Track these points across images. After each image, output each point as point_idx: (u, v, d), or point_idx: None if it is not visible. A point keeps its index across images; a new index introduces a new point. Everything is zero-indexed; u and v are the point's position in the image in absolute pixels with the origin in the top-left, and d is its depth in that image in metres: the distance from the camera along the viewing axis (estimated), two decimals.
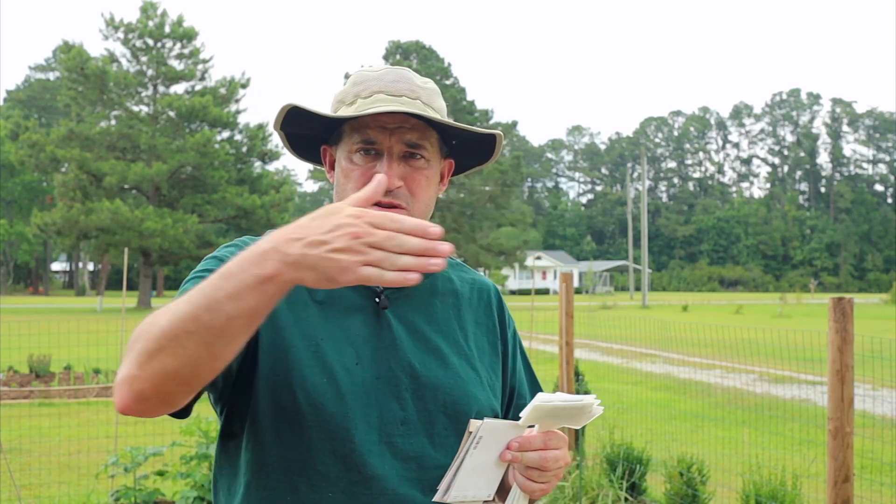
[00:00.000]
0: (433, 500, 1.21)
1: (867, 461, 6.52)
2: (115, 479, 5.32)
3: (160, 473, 5.12)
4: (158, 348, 1.06)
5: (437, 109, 1.39)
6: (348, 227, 1.00)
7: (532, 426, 1.22)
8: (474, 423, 1.19)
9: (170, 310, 1.08)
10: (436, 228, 1.02)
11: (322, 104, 1.41)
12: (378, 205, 1.31)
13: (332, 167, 1.44)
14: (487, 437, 1.19)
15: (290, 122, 1.38)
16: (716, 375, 12.34)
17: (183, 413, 1.26)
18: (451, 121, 1.34)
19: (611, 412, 8.18)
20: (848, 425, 3.63)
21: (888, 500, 5.88)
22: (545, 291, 67.95)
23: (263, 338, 1.29)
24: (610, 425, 6.37)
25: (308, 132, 1.43)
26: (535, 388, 1.56)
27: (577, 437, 5.99)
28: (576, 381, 6.30)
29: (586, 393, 6.64)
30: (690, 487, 5.21)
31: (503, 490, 1.27)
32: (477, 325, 1.46)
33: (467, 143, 1.44)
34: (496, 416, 1.41)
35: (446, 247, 1.01)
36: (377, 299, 1.37)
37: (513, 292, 68.05)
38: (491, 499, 1.24)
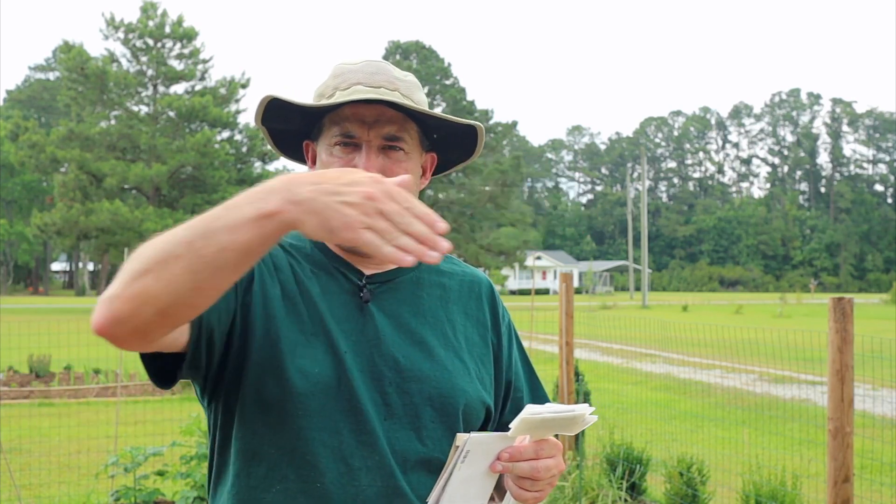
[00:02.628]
0: None
1: (867, 461, 6.51)
2: (115, 479, 5.31)
3: (160, 473, 5.12)
4: (145, 269, 1.04)
5: (417, 102, 1.37)
6: (365, 186, 0.99)
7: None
8: (461, 438, 1.18)
9: (167, 234, 1.06)
10: (443, 223, 1.01)
11: (307, 100, 1.40)
12: None
13: (314, 162, 1.44)
14: (475, 450, 1.18)
15: (271, 116, 1.37)
16: (716, 375, 12.33)
17: (166, 380, 1.25)
18: (426, 109, 1.32)
19: (611, 412, 8.17)
20: (848, 425, 3.63)
21: (888, 500, 5.88)
22: (545, 291, 67.91)
23: (257, 325, 1.28)
24: (610, 425, 6.37)
25: (290, 126, 1.42)
26: (533, 381, 1.55)
27: (577, 437, 5.99)
28: (576, 381, 6.30)
29: (586, 393, 6.63)
30: (690, 487, 5.21)
31: (501, 488, 1.26)
32: (466, 317, 1.45)
33: (449, 137, 1.44)
34: (485, 407, 1.40)
35: (447, 244, 1.00)
36: (361, 293, 1.36)
37: (513, 292, 68.00)
38: None
